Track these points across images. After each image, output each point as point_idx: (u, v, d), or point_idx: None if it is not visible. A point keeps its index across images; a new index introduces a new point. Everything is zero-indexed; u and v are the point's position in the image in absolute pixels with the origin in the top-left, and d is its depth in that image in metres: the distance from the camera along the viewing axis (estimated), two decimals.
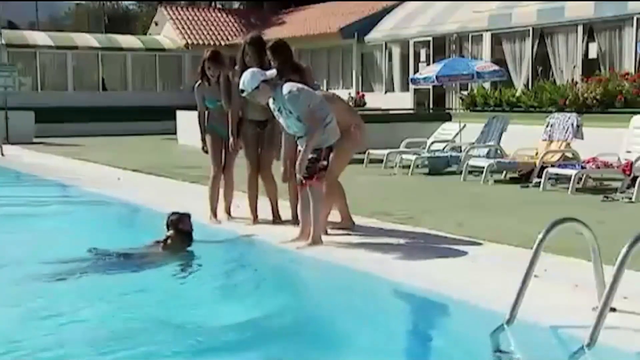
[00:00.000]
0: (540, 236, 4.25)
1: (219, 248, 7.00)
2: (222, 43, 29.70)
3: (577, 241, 4.64)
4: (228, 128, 7.80)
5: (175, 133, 20.99)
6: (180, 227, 6.58)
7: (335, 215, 7.19)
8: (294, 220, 7.23)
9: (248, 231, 7.33)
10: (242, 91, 6.51)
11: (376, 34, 22.95)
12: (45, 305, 5.18)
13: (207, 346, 4.38)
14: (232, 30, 30.67)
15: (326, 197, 6.65)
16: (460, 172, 11.95)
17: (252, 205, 7.73)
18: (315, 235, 6.46)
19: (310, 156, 6.38)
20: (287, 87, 6.42)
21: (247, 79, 6.45)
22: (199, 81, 7.98)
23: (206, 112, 8.02)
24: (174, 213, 6.71)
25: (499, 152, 12.58)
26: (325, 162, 6.46)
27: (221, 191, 8.07)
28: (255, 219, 7.70)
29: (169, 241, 6.48)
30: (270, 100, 6.53)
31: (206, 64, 7.82)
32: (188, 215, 6.71)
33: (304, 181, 6.46)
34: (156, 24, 31.60)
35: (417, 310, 5.17)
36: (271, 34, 28.09)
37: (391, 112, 19.60)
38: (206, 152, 8.06)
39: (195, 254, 6.52)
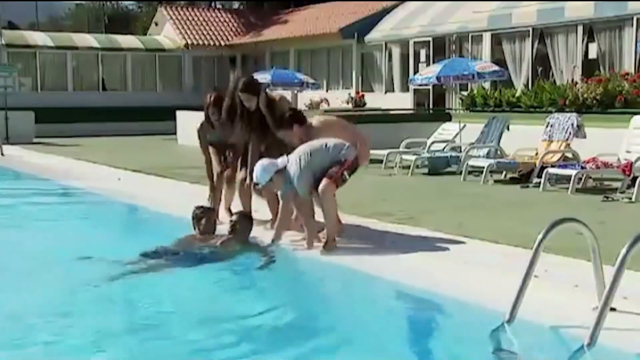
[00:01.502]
0: (540, 236, 4.26)
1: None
2: (222, 43, 29.73)
3: (577, 241, 4.65)
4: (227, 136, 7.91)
5: (175, 133, 20.99)
6: (205, 221, 6.81)
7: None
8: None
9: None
10: (257, 184, 6.62)
11: (376, 34, 22.96)
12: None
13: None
14: (232, 30, 30.67)
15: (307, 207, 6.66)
16: (460, 173, 11.95)
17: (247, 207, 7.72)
18: (330, 238, 6.44)
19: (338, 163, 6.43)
20: (293, 169, 6.42)
21: (260, 173, 6.50)
22: (202, 123, 8.04)
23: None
24: (198, 207, 6.99)
25: (498, 152, 12.58)
26: (348, 177, 6.47)
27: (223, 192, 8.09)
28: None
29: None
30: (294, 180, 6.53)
31: (210, 109, 7.85)
32: (213, 210, 7.25)
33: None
34: (156, 24, 31.59)
35: (417, 310, 5.17)
36: (271, 34, 28.19)
37: (391, 112, 19.61)
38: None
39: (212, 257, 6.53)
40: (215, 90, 8.22)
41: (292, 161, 6.47)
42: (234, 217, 6.88)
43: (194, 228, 6.87)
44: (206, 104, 7.91)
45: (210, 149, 8.11)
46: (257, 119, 7.16)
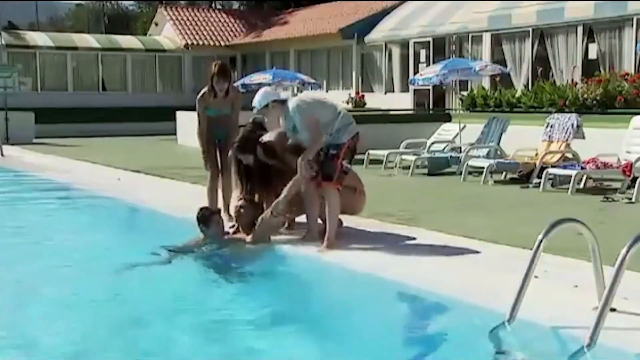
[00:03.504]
0: (540, 237, 4.26)
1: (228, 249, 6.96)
2: (222, 43, 29.73)
3: (577, 241, 4.65)
4: (224, 131, 7.85)
5: (175, 134, 20.99)
6: (211, 224, 6.75)
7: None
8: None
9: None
10: (253, 107, 6.59)
11: (376, 35, 22.97)
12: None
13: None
14: (232, 30, 30.68)
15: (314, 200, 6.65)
16: (460, 173, 11.96)
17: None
18: (331, 237, 6.45)
19: (331, 152, 6.38)
20: (294, 101, 6.45)
21: (259, 98, 6.51)
22: (204, 92, 7.88)
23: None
24: (202, 209, 6.93)
25: (498, 152, 12.59)
26: (349, 166, 6.48)
27: (219, 192, 8.08)
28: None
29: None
30: (282, 120, 6.53)
31: (215, 78, 7.72)
32: (218, 212, 7.19)
33: (322, 182, 6.41)
34: (156, 25, 31.61)
35: (417, 310, 5.17)
36: (271, 35, 28.20)
37: (391, 112, 19.61)
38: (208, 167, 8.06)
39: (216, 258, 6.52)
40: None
41: (294, 99, 6.54)
42: (240, 202, 6.88)
43: (201, 232, 6.72)
44: (211, 73, 7.77)
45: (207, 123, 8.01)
46: (257, 173, 6.99)
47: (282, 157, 6.80)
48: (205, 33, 29.98)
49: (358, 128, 6.61)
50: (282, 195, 6.51)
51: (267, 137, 6.96)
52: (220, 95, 7.82)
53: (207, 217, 6.75)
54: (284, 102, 6.49)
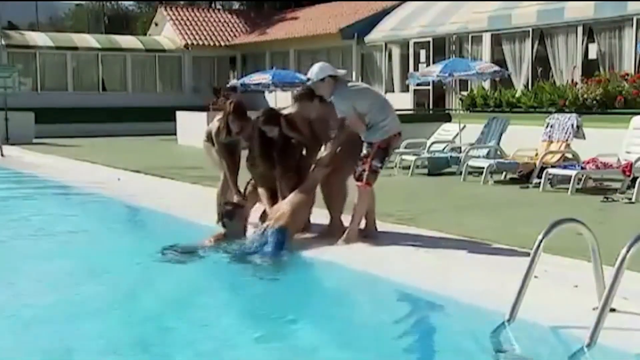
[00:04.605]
0: (540, 237, 4.26)
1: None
2: (222, 43, 29.72)
3: (577, 241, 4.65)
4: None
5: (175, 134, 21.00)
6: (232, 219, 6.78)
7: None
8: None
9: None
10: (308, 79, 6.66)
11: (376, 35, 22.96)
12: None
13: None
14: (232, 30, 30.67)
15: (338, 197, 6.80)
16: (460, 173, 11.96)
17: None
18: (352, 233, 6.58)
19: (362, 153, 6.49)
20: (343, 87, 6.57)
21: (316, 70, 6.57)
22: (218, 128, 7.41)
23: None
24: (227, 203, 7.01)
25: (498, 152, 12.59)
26: (379, 165, 6.54)
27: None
28: None
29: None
30: (332, 98, 6.60)
31: (230, 117, 7.25)
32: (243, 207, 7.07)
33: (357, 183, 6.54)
34: (156, 25, 31.59)
35: (417, 310, 5.17)
36: (271, 34, 28.20)
37: None
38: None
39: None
40: (217, 92, 7.89)
41: (350, 85, 6.67)
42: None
43: (224, 226, 6.78)
44: (226, 112, 7.31)
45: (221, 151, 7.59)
46: (278, 146, 6.92)
47: (301, 131, 6.86)
48: (205, 33, 29.97)
49: (396, 129, 6.72)
50: (326, 151, 6.70)
51: (287, 111, 7.06)
52: (234, 132, 7.35)
53: (231, 212, 6.79)
54: (336, 78, 6.57)
